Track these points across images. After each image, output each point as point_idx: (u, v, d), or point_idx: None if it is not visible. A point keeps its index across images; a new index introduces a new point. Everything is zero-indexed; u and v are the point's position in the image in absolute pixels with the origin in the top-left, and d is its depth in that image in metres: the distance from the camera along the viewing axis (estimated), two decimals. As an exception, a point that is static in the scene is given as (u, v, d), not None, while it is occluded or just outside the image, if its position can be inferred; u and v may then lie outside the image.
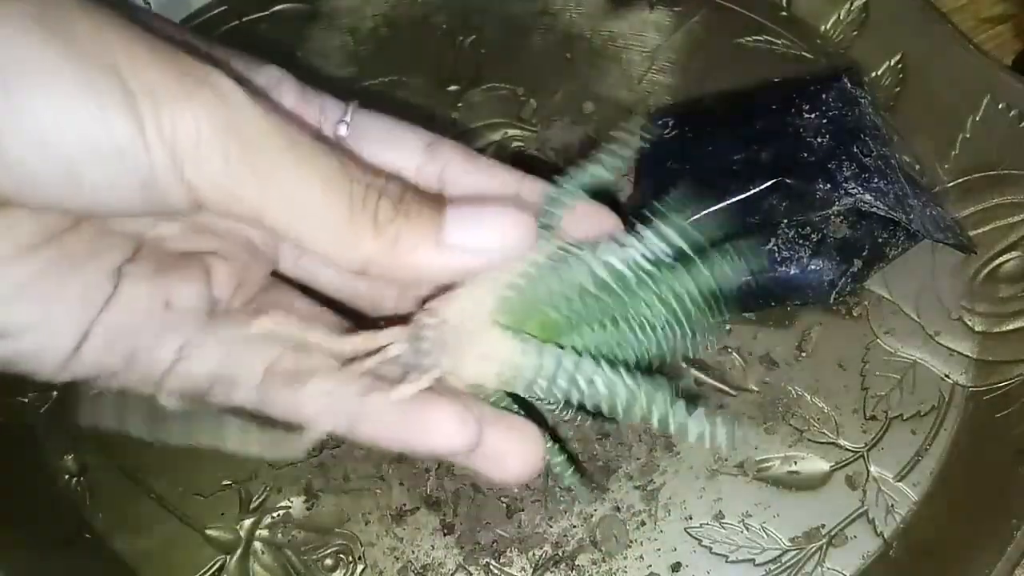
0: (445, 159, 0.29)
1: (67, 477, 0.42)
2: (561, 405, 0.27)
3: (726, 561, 0.40)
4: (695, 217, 0.41)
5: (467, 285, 0.26)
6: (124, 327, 0.25)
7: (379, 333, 0.26)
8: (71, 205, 0.23)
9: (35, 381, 0.26)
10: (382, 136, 0.29)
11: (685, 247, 0.26)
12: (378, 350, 0.26)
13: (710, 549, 0.40)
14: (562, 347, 0.26)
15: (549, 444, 0.28)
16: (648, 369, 0.27)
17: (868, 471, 0.41)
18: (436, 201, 0.26)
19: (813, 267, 0.42)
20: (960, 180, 0.46)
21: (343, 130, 0.28)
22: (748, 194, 0.41)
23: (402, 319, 0.27)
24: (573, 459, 0.32)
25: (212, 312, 0.27)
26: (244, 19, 0.51)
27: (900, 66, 0.47)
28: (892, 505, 0.41)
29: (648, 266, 0.25)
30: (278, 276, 0.31)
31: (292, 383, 0.27)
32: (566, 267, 0.26)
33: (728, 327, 0.44)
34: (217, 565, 0.40)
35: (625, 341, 0.27)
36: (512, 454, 0.27)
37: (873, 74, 0.48)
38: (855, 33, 0.49)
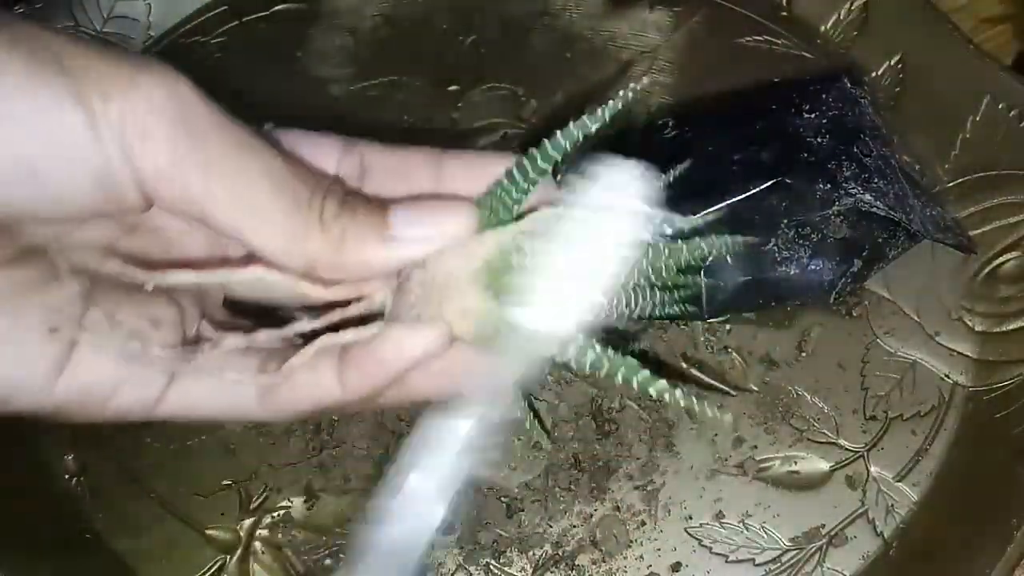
0: (361, 151, 0.29)
1: (67, 477, 0.42)
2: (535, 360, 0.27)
3: (726, 561, 0.40)
4: (695, 217, 0.41)
5: (458, 246, 0.26)
6: (107, 356, 0.25)
7: (364, 284, 0.26)
8: (26, 206, 0.22)
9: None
10: (297, 140, 0.29)
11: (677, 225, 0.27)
12: (361, 299, 0.27)
13: (710, 549, 0.40)
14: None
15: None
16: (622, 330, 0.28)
17: (868, 471, 0.41)
18: (378, 201, 0.26)
19: (813, 267, 0.42)
20: (960, 180, 0.46)
21: None
22: (748, 194, 0.41)
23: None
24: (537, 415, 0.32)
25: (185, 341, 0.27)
26: (244, 19, 0.51)
27: (900, 66, 0.47)
28: (892, 505, 0.41)
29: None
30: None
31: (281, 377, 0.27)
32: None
33: (728, 327, 0.44)
34: (217, 565, 0.40)
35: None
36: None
37: (873, 74, 0.48)
38: (855, 33, 0.49)
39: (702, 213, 0.41)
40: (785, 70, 0.48)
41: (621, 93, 0.26)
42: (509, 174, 0.27)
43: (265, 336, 0.26)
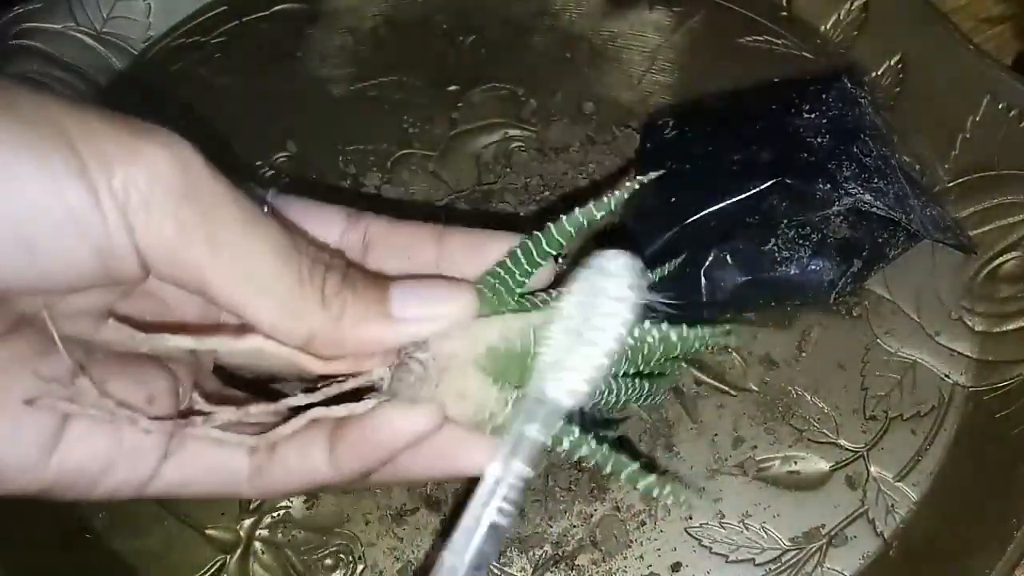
0: (365, 224, 0.29)
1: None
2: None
3: (726, 561, 0.40)
4: (694, 217, 0.41)
5: (460, 328, 0.27)
6: (101, 426, 0.25)
7: (363, 359, 0.27)
8: (22, 279, 0.22)
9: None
10: (303, 210, 0.29)
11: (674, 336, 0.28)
12: (358, 374, 0.27)
13: (710, 549, 0.40)
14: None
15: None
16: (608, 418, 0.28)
17: (868, 471, 0.41)
18: (379, 277, 0.27)
19: (813, 267, 0.42)
20: (960, 180, 0.46)
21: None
22: (748, 194, 0.41)
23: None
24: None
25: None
26: (244, 19, 0.51)
27: (900, 66, 0.47)
28: (892, 505, 0.41)
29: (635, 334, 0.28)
30: None
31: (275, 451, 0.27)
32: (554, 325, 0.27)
33: (728, 327, 0.44)
34: (217, 565, 0.40)
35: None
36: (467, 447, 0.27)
37: (873, 74, 0.48)
38: (855, 33, 0.49)
39: (702, 213, 0.41)
40: (785, 70, 0.48)
41: (627, 184, 0.26)
42: (513, 256, 0.27)
43: (258, 410, 0.26)
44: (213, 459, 0.27)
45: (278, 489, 0.28)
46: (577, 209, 0.26)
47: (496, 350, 0.27)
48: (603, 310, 0.26)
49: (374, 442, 0.26)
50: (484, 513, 0.26)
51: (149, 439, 0.25)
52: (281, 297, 0.24)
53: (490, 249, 0.28)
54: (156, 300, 0.28)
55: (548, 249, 0.27)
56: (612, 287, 0.26)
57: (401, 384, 0.26)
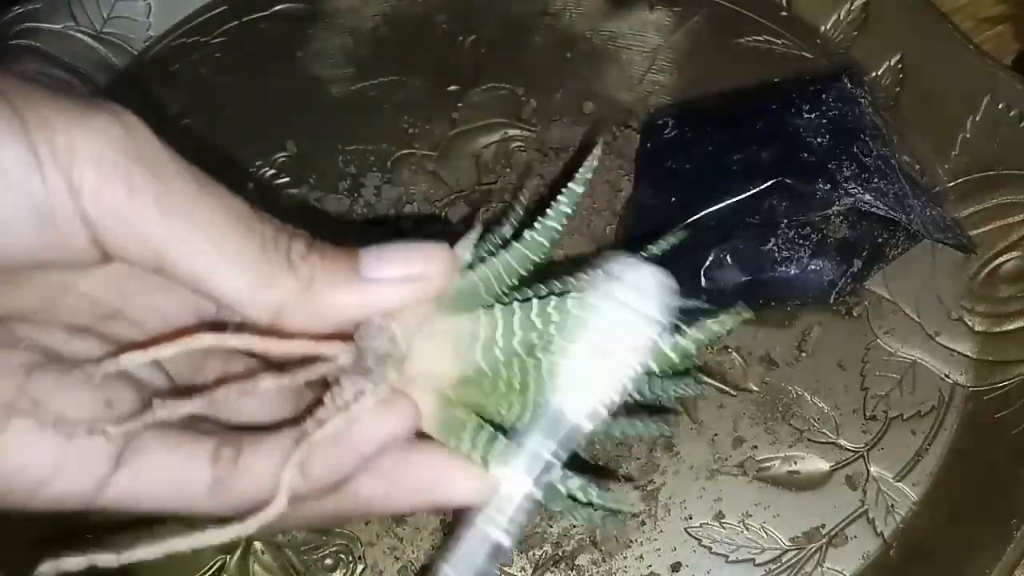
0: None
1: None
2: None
3: (726, 561, 0.40)
4: (694, 217, 0.41)
5: (426, 322, 0.26)
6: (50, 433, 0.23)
7: (321, 344, 0.25)
8: None
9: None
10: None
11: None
12: (318, 359, 0.25)
13: (710, 549, 0.40)
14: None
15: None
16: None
17: (868, 471, 0.41)
18: (347, 248, 0.25)
19: (813, 267, 0.42)
20: (960, 180, 0.46)
21: None
22: (748, 194, 0.41)
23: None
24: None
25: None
26: (244, 19, 0.51)
27: (900, 66, 0.47)
28: (892, 505, 0.41)
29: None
30: None
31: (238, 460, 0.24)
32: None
33: (728, 327, 0.44)
34: (217, 565, 0.40)
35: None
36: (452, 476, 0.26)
37: (873, 74, 0.48)
38: (855, 33, 0.49)
39: (702, 213, 0.41)
40: (785, 70, 0.48)
41: (594, 151, 0.25)
42: (496, 274, 0.26)
43: (225, 393, 0.24)
44: (171, 467, 0.24)
45: (242, 501, 0.24)
46: (550, 210, 0.25)
47: (487, 341, 0.25)
48: (632, 329, 0.24)
49: (346, 445, 0.24)
50: (489, 531, 0.24)
51: (99, 445, 0.23)
52: (246, 263, 0.22)
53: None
54: (137, 325, 0.26)
55: (535, 258, 0.26)
56: (644, 306, 0.25)
57: (364, 368, 0.24)
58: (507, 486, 0.25)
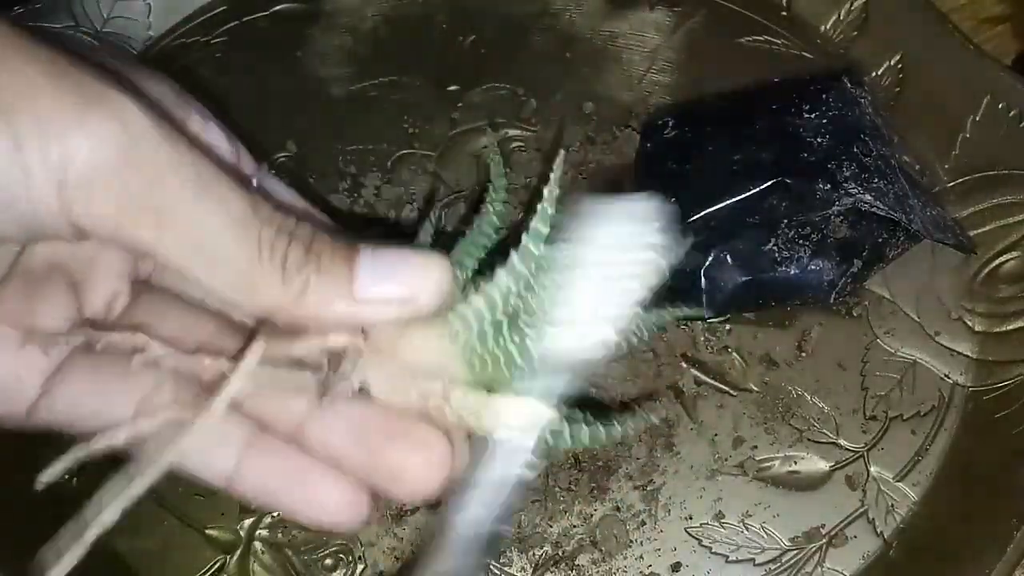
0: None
1: (65, 476, 0.42)
2: None
3: (726, 561, 0.40)
4: (694, 217, 0.41)
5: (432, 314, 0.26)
6: None
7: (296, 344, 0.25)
8: None
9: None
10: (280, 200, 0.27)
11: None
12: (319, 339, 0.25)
13: (710, 549, 0.40)
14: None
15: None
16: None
17: (868, 471, 0.41)
18: (348, 248, 0.24)
19: (813, 267, 0.42)
20: (960, 180, 0.46)
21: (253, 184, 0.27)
22: (748, 194, 0.41)
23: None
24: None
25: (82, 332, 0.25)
26: (244, 19, 0.51)
27: (900, 66, 0.47)
28: (892, 505, 0.41)
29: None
30: None
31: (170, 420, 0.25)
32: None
33: (728, 327, 0.44)
34: (217, 565, 0.40)
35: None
36: (412, 469, 0.26)
37: (873, 74, 0.48)
38: (855, 33, 0.49)
39: (703, 213, 0.41)
40: (785, 70, 0.48)
41: (560, 154, 0.25)
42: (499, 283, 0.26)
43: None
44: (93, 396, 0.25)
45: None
46: (536, 216, 0.25)
47: (464, 338, 0.26)
48: (635, 257, 0.24)
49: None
50: (510, 465, 0.24)
51: (33, 365, 0.24)
52: (236, 271, 0.23)
53: None
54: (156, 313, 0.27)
55: (530, 262, 0.26)
56: (641, 232, 0.25)
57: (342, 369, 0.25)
58: (528, 416, 0.25)
